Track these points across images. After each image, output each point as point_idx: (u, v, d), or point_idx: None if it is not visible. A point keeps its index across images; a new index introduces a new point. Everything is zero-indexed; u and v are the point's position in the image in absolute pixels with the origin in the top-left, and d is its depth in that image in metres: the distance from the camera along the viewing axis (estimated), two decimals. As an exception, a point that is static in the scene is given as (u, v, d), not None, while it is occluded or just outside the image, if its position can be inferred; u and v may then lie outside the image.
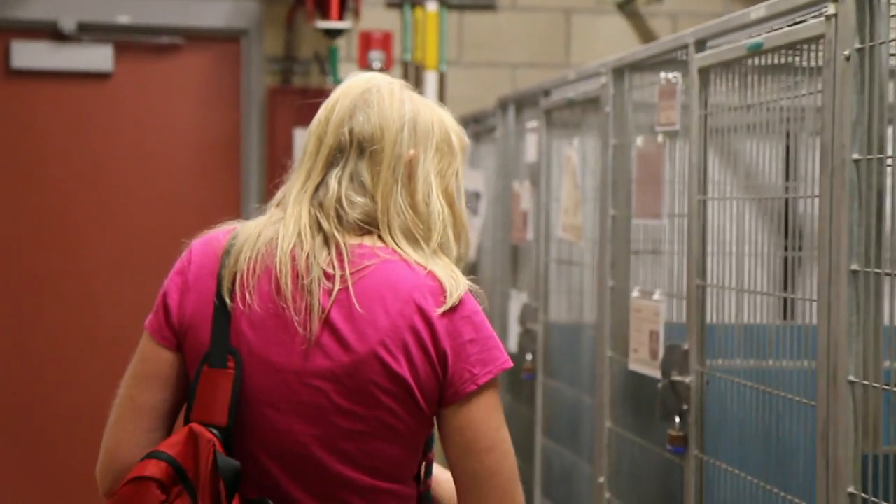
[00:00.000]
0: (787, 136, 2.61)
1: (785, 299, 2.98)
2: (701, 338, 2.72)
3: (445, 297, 1.75)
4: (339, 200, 1.79)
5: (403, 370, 1.73)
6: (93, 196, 5.70)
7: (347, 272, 1.75)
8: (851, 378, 2.07)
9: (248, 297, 1.74)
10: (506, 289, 4.35)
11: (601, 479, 3.31)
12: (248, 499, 1.75)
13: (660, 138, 2.95)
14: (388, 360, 1.73)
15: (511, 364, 1.82)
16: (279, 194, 1.85)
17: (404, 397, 1.74)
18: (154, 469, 1.72)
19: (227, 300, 1.76)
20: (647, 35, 5.51)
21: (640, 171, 3.07)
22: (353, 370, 1.73)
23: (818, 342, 2.16)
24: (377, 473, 1.77)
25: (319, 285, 1.74)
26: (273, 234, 1.78)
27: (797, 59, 2.38)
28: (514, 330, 4.11)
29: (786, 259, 2.82)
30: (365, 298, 1.74)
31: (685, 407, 2.76)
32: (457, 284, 1.76)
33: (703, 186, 2.72)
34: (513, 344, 4.13)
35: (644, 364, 3.01)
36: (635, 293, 3.09)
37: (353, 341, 1.73)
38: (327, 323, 1.74)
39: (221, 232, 1.84)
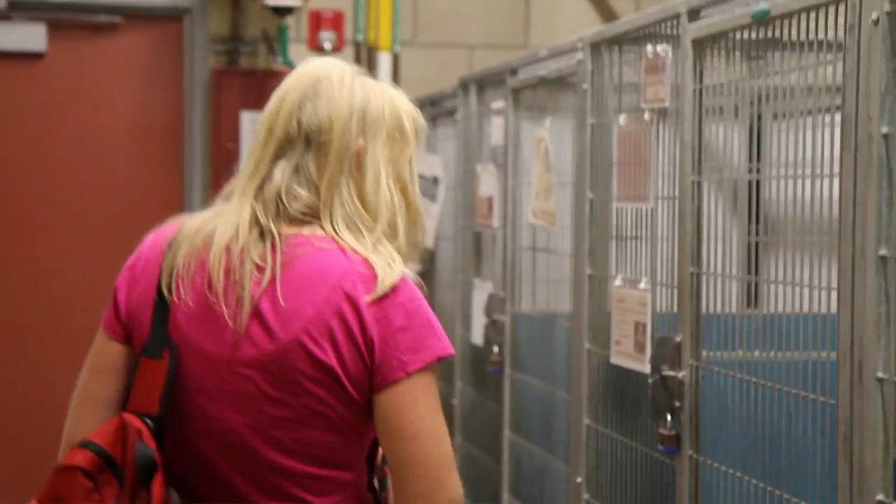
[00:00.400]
0: (758, 117, 2.43)
1: (747, 285, 2.82)
2: (695, 329, 2.53)
3: (377, 284, 1.75)
4: (280, 193, 1.81)
5: (328, 357, 1.74)
6: (26, 183, 5.41)
7: (278, 263, 1.77)
8: (880, 375, 1.89)
9: (182, 290, 1.79)
10: (469, 278, 4.15)
11: (579, 480, 3.12)
12: (170, 487, 1.78)
13: (646, 116, 2.75)
14: (311, 348, 1.74)
15: (451, 352, 1.80)
16: (228, 187, 1.87)
17: (331, 384, 1.75)
18: (80, 459, 1.76)
19: (166, 293, 1.80)
20: (609, 16, 5.33)
21: (623, 151, 2.87)
22: (278, 358, 1.75)
23: (839, 334, 1.98)
24: (312, 460, 1.78)
25: (251, 278, 1.77)
26: (212, 228, 1.81)
27: (791, 31, 2.20)
28: (480, 321, 3.90)
29: (758, 244, 2.64)
30: (292, 287, 1.76)
31: (677, 404, 2.57)
32: (391, 271, 1.77)
33: (698, 167, 2.53)
34: (478, 336, 3.93)
35: (628, 357, 2.82)
36: (618, 282, 2.90)
37: (278, 330, 1.75)
38: (256, 313, 1.76)
39: (171, 226, 1.87)
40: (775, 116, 2.33)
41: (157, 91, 5.50)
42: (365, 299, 1.75)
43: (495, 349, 3.77)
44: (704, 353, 2.51)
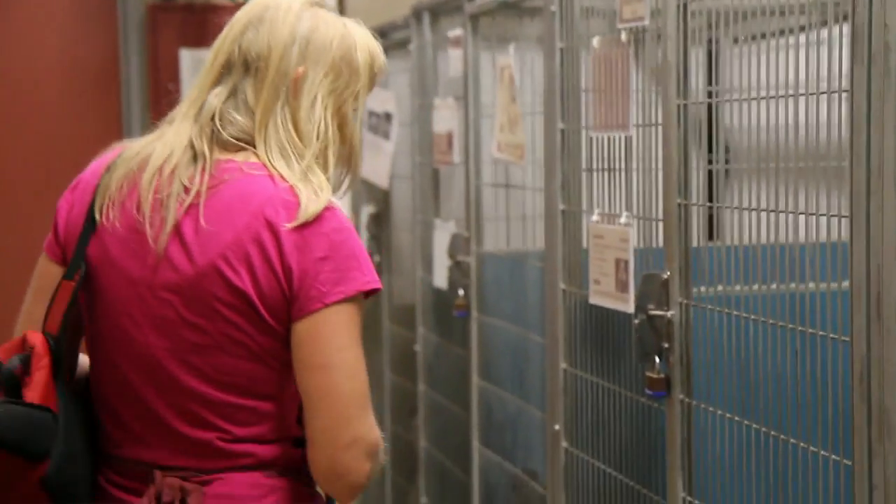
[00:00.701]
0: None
1: (710, 215, 2.67)
2: (685, 264, 2.36)
3: (299, 212, 1.74)
4: (214, 118, 1.81)
5: (244, 284, 1.73)
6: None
7: (204, 186, 1.76)
8: (902, 308, 1.73)
9: (111, 213, 1.79)
10: (428, 218, 3.95)
11: (557, 427, 2.95)
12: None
13: (623, 37, 2.56)
14: (227, 273, 1.73)
15: (376, 286, 1.76)
16: (173, 112, 1.89)
17: (247, 311, 1.73)
18: None
19: (97, 215, 1.80)
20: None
21: (597, 77, 2.68)
22: (196, 283, 1.74)
23: (852, 265, 1.81)
24: (232, 389, 1.76)
25: (176, 199, 1.76)
26: (150, 151, 1.82)
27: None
28: (443, 263, 3.71)
29: (718, 172, 2.47)
30: (214, 212, 1.75)
31: (666, 345, 2.41)
32: (316, 200, 1.74)
33: (684, 90, 2.34)
34: (441, 278, 3.74)
35: (609, 297, 2.64)
36: (595, 217, 2.72)
37: (197, 254, 1.74)
38: (177, 237, 1.76)
39: (114, 150, 1.88)
40: (764, 36, 2.15)
41: (89, 30, 5.22)
42: (285, 227, 1.72)
43: (460, 292, 3.59)
44: (695, 289, 2.34)
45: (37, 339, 1.78)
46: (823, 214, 1.92)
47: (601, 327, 2.77)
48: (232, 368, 1.75)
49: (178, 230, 1.76)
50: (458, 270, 3.60)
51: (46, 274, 1.86)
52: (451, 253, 3.64)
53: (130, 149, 1.85)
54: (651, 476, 2.56)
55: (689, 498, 2.38)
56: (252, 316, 1.73)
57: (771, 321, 2.08)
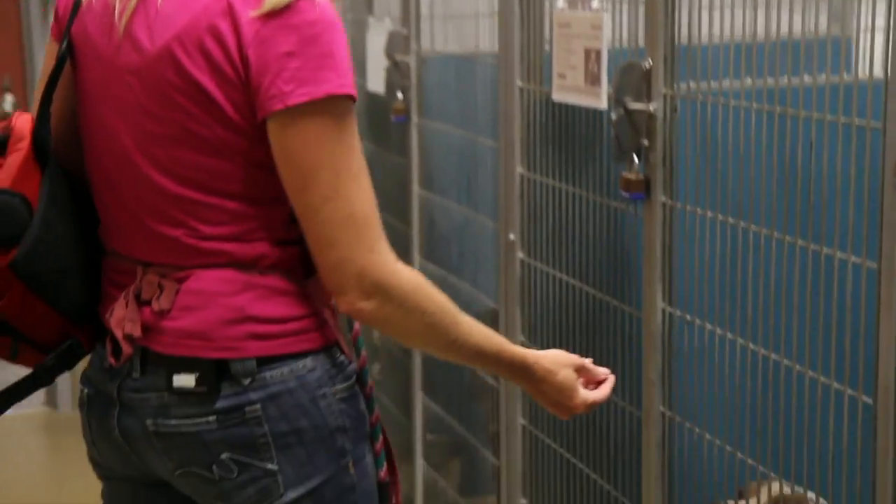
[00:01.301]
0: None
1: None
2: (671, 53, 2.13)
3: None
4: None
5: (198, 71, 1.59)
6: None
7: None
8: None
9: None
10: (360, 16, 3.65)
11: (512, 237, 2.74)
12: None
13: None
14: (182, 59, 1.60)
15: (349, 92, 1.58)
16: None
17: (204, 101, 1.60)
18: None
19: None
20: None
21: None
22: (153, 66, 1.63)
23: (890, 53, 1.59)
24: (192, 184, 1.64)
25: None
26: None
27: None
28: (379, 64, 3.42)
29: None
30: None
31: (646, 142, 2.19)
32: None
33: None
34: (377, 82, 3.46)
35: (577, 92, 2.40)
36: (560, 3, 2.45)
37: (157, 36, 1.62)
38: (144, 15, 1.63)
39: None
40: None
41: None
42: (249, 14, 1.56)
43: (399, 95, 3.32)
44: (684, 85, 2.11)
45: (21, 121, 1.67)
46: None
47: (564, 127, 2.54)
48: (191, 162, 1.63)
49: (145, 8, 1.63)
50: (396, 72, 3.33)
51: (51, 55, 1.75)
52: (389, 53, 3.36)
53: None
54: (622, 286, 2.38)
55: (669, 308, 2.20)
56: (209, 106, 1.60)
57: (779, 110, 1.86)
